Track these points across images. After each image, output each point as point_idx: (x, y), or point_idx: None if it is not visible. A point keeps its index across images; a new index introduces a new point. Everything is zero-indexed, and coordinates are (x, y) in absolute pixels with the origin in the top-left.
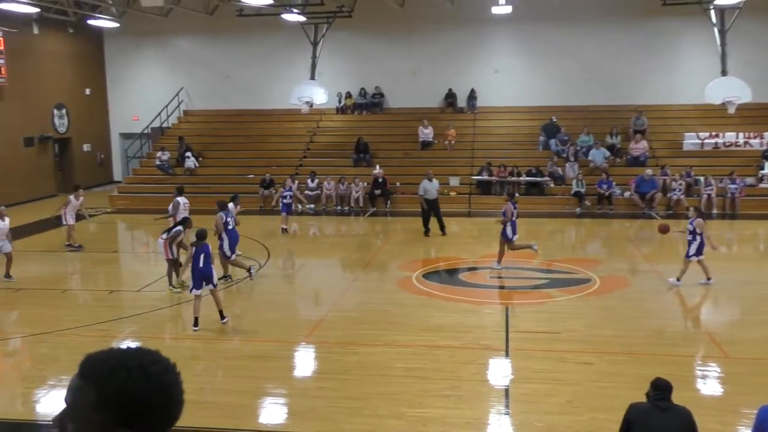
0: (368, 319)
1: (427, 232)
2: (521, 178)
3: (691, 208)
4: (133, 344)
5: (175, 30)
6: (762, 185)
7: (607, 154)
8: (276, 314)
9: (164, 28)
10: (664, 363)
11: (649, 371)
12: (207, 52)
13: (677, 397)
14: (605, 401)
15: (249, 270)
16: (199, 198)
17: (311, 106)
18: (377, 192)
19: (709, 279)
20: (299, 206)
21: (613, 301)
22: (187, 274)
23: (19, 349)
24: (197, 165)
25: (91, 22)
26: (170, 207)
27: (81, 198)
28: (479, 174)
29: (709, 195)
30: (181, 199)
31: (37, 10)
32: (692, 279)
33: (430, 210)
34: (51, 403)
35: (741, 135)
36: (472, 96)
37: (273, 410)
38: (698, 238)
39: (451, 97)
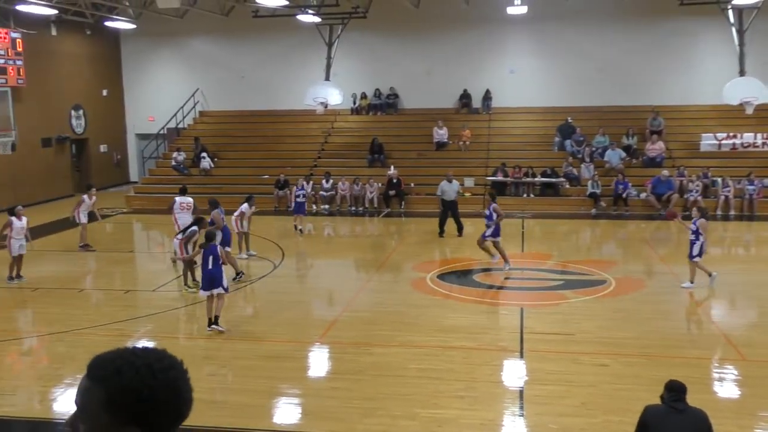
0: (382, 320)
1: (441, 233)
2: (536, 179)
3: (695, 208)
4: (141, 344)
5: (191, 31)
6: None
7: (623, 155)
8: (290, 314)
9: (180, 29)
10: (680, 365)
11: (665, 373)
12: (222, 53)
13: (694, 400)
14: (620, 403)
15: (239, 273)
16: (215, 198)
17: (326, 106)
18: (392, 193)
19: (692, 282)
20: (313, 206)
21: (629, 302)
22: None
23: (36, 348)
24: (212, 166)
25: (108, 23)
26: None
27: (94, 197)
28: (494, 175)
29: (726, 196)
30: (179, 199)
31: (55, 12)
32: (703, 279)
33: (447, 211)
34: (68, 401)
35: (759, 136)
36: (487, 96)
37: (287, 410)
38: (701, 238)
39: (465, 97)
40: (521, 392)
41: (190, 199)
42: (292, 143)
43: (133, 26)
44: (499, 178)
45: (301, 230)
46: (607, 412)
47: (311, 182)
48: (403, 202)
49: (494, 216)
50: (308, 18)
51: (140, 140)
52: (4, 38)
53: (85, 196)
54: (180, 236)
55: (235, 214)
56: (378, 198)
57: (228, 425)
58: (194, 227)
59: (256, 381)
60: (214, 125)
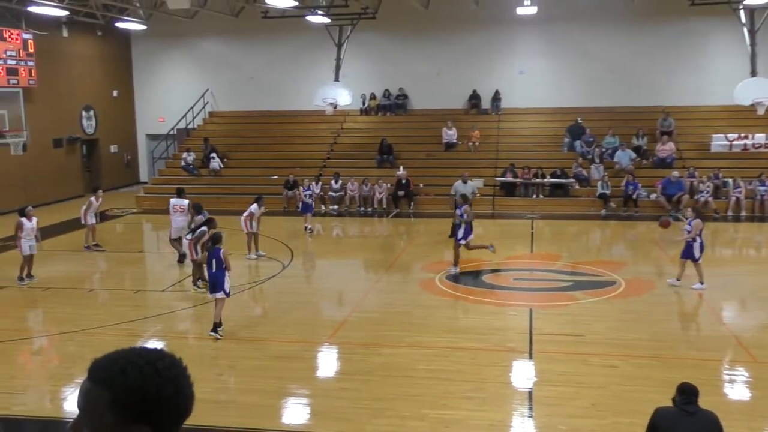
0: (391, 321)
1: (452, 234)
2: (546, 180)
3: (689, 209)
4: (149, 344)
5: (201, 32)
6: None
7: (633, 155)
8: (299, 315)
9: (190, 30)
10: (691, 367)
11: (676, 375)
12: (232, 53)
13: (704, 402)
14: (630, 405)
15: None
16: (224, 199)
17: (335, 107)
18: (401, 193)
19: (678, 280)
20: (322, 207)
21: (639, 303)
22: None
23: (46, 347)
24: (222, 166)
25: (118, 24)
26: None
27: (101, 199)
28: (503, 175)
29: (737, 197)
30: (174, 201)
31: (66, 13)
32: (714, 281)
33: None
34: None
35: None
36: (496, 97)
37: (295, 410)
38: (698, 239)
39: (475, 98)
40: (530, 393)
41: (185, 202)
42: (302, 144)
43: (144, 27)
44: (509, 178)
45: (311, 230)
46: (616, 414)
47: (320, 183)
48: (412, 203)
49: (465, 215)
50: (317, 19)
51: (150, 141)
52: (16, 39)
53: (93, 198)
54: (189, 236)
55: (244, 214)
56: (387, 198)
57: (237, 425)
58: (203, 228)
59: (265, 381)
60: (224, 126)
